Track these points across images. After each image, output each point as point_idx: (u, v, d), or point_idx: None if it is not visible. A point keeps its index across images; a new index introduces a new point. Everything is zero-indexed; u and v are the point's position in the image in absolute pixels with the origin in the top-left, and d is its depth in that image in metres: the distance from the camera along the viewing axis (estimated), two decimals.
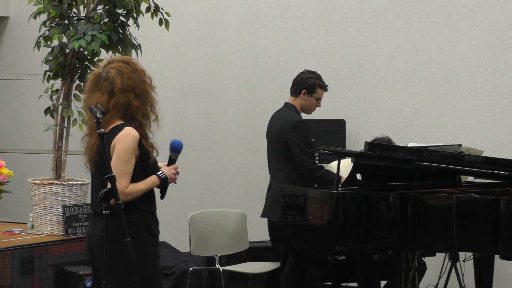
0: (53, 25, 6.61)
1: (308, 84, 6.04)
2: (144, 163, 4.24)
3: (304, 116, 6.41)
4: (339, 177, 5.17)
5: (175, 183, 4.40)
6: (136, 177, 4.20)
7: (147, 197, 4.28)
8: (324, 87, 6.10)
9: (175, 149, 4.40)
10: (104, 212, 3.91)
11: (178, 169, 4.38)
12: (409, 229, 5.10)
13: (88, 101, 4.27)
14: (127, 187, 4.15)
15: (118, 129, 4.20)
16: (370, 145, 5.34)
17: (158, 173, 4.28)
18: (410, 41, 7.27)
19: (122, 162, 4.15)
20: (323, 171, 5.88)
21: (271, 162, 6.13)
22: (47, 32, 6.61)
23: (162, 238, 7.69)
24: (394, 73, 7.32)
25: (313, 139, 6.15)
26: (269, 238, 5.93)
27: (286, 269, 5.96)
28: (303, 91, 6.03)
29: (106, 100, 4.20)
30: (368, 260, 6.05)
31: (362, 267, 6.09)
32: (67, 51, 6.49)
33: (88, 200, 6.59)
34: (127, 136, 4.16)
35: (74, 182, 6.49)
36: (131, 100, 4.23)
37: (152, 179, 4.26)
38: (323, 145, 5.91)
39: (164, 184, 4.30)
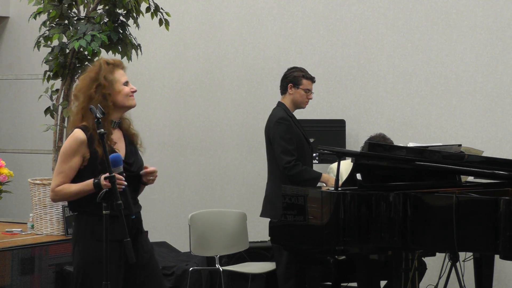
0: (53, 25, 6.61)
1: (292, 77, 6.03)
2: (93, 165, 4.22)
3: (304, 115, 6.41)
4: (338, 177, 5.17)
5: (118, 189, 4.05)
6: (83, 178, 4.20)
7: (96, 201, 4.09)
8: (310, 78, 6.03)
9: (112, 164, 4.11)
10: (104, 212, 3.93)
11: (121, 180, 4.08)
12: (409, 229, 5.09)
13: None
14: (57, 185, 4.19)
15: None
16: (370, 145, 5.33)
17: (95, 178, 4.16)
18: (410, 41, 7.27)
19: (59, 162, 4.24)
20: (298, 170, 5.78)
21: (267, 161, 6.13)
22: (47, 32, 6.61)
23: (162, 238, 7.81)
24: (394, 73, 7.32)
25: (312, 139, 6.14)
26: (269, 238, 5.92)
27: (281, 268, 5.94)
28: (289, 85, 6.01)
29: None
30: (368, 260, 6.05)
31: (362, 267, 6.08)
32: (67, 51, 6.49)
33: None
34: (70, 137, 4.26)
35: None
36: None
37: (86, 182, 4.18)
38: (323, 145, 5.89)
39: (96, 189, 4.10)
